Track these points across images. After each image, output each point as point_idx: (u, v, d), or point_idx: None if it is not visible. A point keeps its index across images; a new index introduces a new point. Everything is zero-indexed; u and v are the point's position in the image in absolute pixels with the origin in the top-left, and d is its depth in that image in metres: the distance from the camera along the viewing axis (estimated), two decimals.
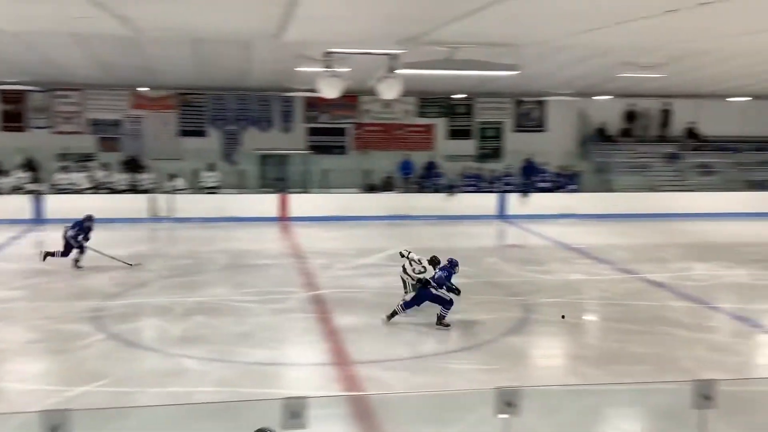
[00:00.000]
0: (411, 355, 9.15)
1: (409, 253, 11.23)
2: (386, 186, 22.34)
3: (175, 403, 7.21)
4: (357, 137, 23.74)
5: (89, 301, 11.45)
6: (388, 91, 11.63)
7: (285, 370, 8.96)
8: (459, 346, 9.79)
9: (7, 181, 20.36)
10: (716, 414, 5.15)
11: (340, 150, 23.53)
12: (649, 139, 25.06)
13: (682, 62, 14.79)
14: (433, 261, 11.02)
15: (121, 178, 21.11)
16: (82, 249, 13.74)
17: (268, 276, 13.64)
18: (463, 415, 6.84)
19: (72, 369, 8.58)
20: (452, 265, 10.74)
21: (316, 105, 22.88)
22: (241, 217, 20.20)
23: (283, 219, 20.80)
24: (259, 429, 4.30)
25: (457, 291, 10.49)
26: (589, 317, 11.65)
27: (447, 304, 10.30)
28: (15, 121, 21.99)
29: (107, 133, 22.52)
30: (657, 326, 10.46)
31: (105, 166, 21.31)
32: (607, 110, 24.35)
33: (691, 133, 24.99)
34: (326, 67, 11.44)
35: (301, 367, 9.07)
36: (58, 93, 21.99)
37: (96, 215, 14.36)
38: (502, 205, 22.05)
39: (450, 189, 22.03)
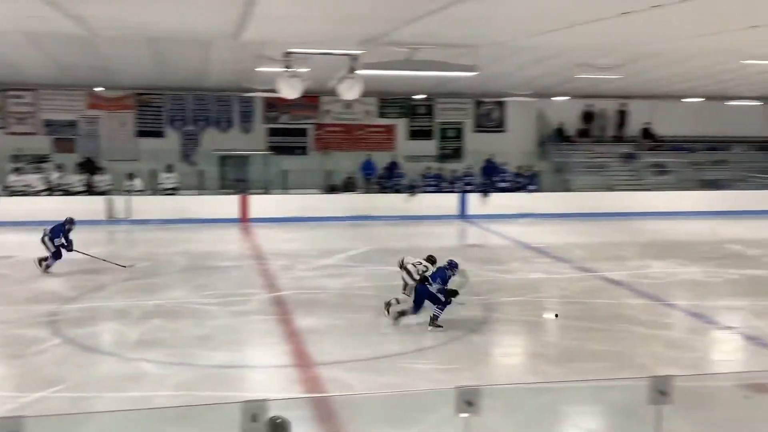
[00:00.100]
0: (373, 355, 9.13)
1: (405, 262, 10.96)
2: (347, 186, 22.31)
3: (134, 408, 7.10)
4: (318, 138, 23.67)
5: (45, 305, 11.21)
6: (349, 91, 11.60)
7: (246, 372, 8.89)
8: (420, 346, 9.80)
9: None
10: (672, 410, 5.25)
11: (300, 150, 23.45)
12: (606, 140, 25.48)
13: (638, 64, 15.06)
14: (430, 259, 11.00)
15: (76, 180, 20.71)
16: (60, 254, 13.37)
17: (228, 278, 13.51)
18: (424, 415, 6.85)
19: (27, 374, 8.39)
20: (451, 267, 10.66)
21: (276, 105, 22.75)
22: (200, 219, 19.98)
23: (244, 220, 20.63)
24: (271, 417, 4.52)
25: (453, 293, 10.40)
26: (549, 316, 11.76)
27: (441, 304, 10.24)
28: None
29: (62, 134, 22.11)
30: (615, 324, 10.62)
31: (60, 168, 20.89)
32: (565, 111, 24.69)
33: (647, 134, 25.47)
34: (286, 68, 11.37)
35: (262, 369, 9.01)
36: (11, 93, 21.51)
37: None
38: (462, 205, 22.19)
39: (411, 189, 22.09)
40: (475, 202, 22.20)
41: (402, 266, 10.95)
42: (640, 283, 13.21)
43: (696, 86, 20.20)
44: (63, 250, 13.39)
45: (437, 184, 22.65)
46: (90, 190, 20.53)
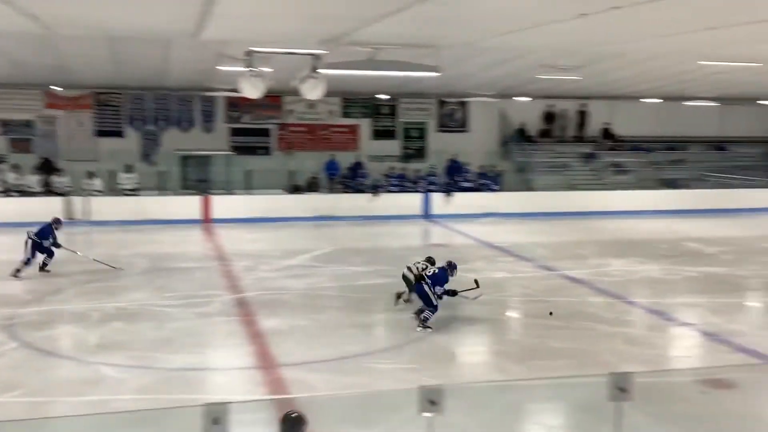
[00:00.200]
0: (336, 356, 9.11)
1: (409, 269, 11.09)
2: (311, 187, 22.23)
3: (93, 413, 6.97)
4: (281, 138, 23.54)
5: (1, 309, 10.95)
6: (312, 91, 11.54)
7: (208, 375, 8.80)
8: (384, 346, 9.81)
9: None
10: (632, 405, 5.33)
11: (263, 151, 23.30)
12: (567, 140, 25.79)
13: (598, 65, 15.27)
14: (429, 260, 11.10)
15: (34, 181, 20.28)
16: (51, 252, 13.47)
17: (190, 279, 13.36)
18: (388, 414, 6.85)
19: None
20: (450, 267, 10.72)
21: (238, 105, 22.57)
22: (161, 220, 19.71)
23: (206, 221, 20.41)
24: (287, 412, 4.66)
25: (452, 293, 10.53)
26: (512, 314, 11.87)
27: (432, 307, 10.26)
28: None
29: (19, 134, 21.65)
30: (576, 321, 10.75)
31: (17, 169, 20.42)
32: (527, 111, 24.92)
33: (607, 134, 25.84)
34: (248, 67, 11.27)
35: (225, 371, 8.93)
36: None
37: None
38: (426, 205, 22.26)
39: (375, 189, 22.09)
40: (438, 201, 22.28)
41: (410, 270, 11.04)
42: (601, 281, 13.40)
43: (654, 87, 20.55)
44: (54, 249, 13.44)
45: (401, 183, 22.68)
46: (48, 191, 20.11)
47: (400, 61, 10.49)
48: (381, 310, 11.81)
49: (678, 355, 10.07)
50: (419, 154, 24.61)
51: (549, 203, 22.53)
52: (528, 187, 23.72)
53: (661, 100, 24.17)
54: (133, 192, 20.77)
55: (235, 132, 23.06)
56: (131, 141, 22.31)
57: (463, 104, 24.89)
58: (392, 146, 24.41)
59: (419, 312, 10.30)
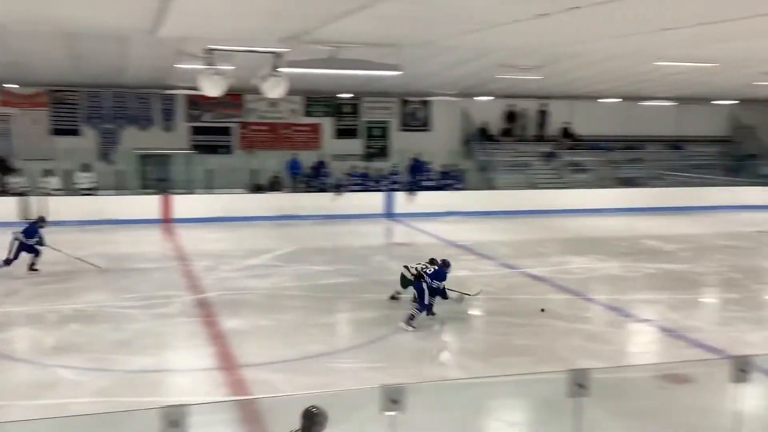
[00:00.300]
0: (299, 356, 9.07)
1: (407, 269, 11.19)
2: (273, 186, 22.08)
3: (49, 417, 6.83)
4: (242, 136, 23.34)
5: None
6: (273, 89, 11.45)
7: (168, 377, 8.69)
8: (347, 345, 9.80)
9: None
10: (591, 401, 5.39)
11: (225, 149, 23.07)
12: (528, 139, 26.05)
13: (557, 64, 15.44)
14: (432, 262, 11.19)
15: None
16: (37, 252, 13.47)
17: (149, 280, 13.16)
18: (351, 414, 6.83)
19: None
20: (445, 265, 10.91)
21: (199, 103, 22.32)
22: (120, 220, 19.38)
23: (166, 221, 20.14)
24: (307, 407, 4.72)
25: (444, 295, 10.73)
26: (474, 312, 11.94)
27: (422, 305, 10.35)
28: None
29: None
30: (537, 318, 10.87)
31: None
32: (489, 110, 25.11)
33: (567, 133, 26.16)
34: (208, 65, 11.12)
35: (186, 373, 8.82)
36: None
37: None
38: (389, 204, 22.28)
39: (337, 188, 22.04)
40: (401, 200, 22.32)
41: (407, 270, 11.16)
42: (562, 279, 13.56)
43: (613, 87, 20.85)
44: (39, 247, 13.43)
45: (363, 182, 22.67)
46: (2, 191, 19.64)
47: (361, 59, 10.47)
48: (344, 310, 11.81)
49: (636, 351, 10.24)
50: (382, 153, 24.62)
51: (511, 202, 22.72)
52: (490, 185, 23.89)
53: (620, 100, 24.55)
54: (91, 191, 20.40)
55: (196, 130, 22.80)
56: (89, 139, 21.91)
57: (425, 103, 24.97)
58: (355, 145, 24.37)
59: (410, 318, 10.35)
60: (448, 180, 23.33)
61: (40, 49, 13.98)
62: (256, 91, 12.30)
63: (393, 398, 4.59)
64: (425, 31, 9.45)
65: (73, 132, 21.82)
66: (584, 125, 25.99)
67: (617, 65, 15.70)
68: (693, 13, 7.88)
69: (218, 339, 9.78)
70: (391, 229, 20.92)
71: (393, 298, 11.58)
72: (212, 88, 11.29)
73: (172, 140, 22.32)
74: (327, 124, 24.19)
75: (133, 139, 22.02)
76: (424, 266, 10.93)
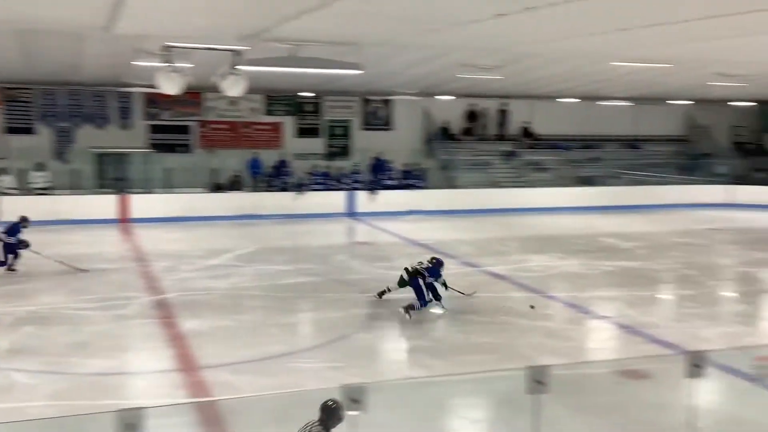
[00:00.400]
0: (259, 356, 8.99)
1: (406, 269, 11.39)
2: (234, 185, 21.88)
3: (3, 421, 6.65)
4: (202, 135, 23.07)
5: None
6: (233, 88, 11.34)
7: (126, 379, 8.54)
8: (308, 345, 9.75)
9: None
10: (550, 397, 5.44)
11: (183, 148, 22.78)
12: (489, 138, 26.24)
13: (517, 64, 15.57)
14: (432, 261, 11.45)
15: None
16: (16, 253, 13.25)
17: (106, 281, 12.93)
18: (312, 414, 6.78)
19: None
20: (439, 264, 11.27)
21: (157, 101, 21.99)
22: (76, 220, 19.00)
23: (124, 221, 19.82)
24: (325, 401, 4.87)
25: (434, 293, 11.06)
26: (436, 310, 11.97)
27: (422, 300, 10.76)
28: None
29: None
30: (498, 316, 10.95)
31: None
32: (450, 109, 25.24)
33: (526, 132, 26.42)
34: (165, 62, 10.97)
35: (144, 375, 8.68)
36: None
37: None
38: (351, 203, 22.25)
39: (299, 187, 21.93)
40: (363, 199, 22.30)
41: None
42: (522, 277, 13.69)
43: (571, 87, 21.12)
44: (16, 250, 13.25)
45: (325, 182, 22.60)
46: None
47: (322, 58, 10.42)
48: (305, 309, 11.76)
49: (595, 347, 10.38)
50: (344, 152, 24.56)
51: (472, 201, 22.88)
52: (451, 184, 24.02)
53: (578, 100, 24.88)
54: (46, 191, 19.97)
55: (154, 129, 22.47)
56: (43, 138, 21.45)
57: (387, 102, 24.98)
58: (316, 144, 24.28)
59: (410, 306, 10.74)
60: (410, 179, 23.40)
61: None
62: (215, 89, 12.18)
63: (354, 398, 4.58)
64: (385, 30, 9.46)
65: (27, 130, 21.34)
66: (544, 125, 26.28)
67: (575, 65, 15.91)
68: (647, 15, 8.02)
69: (177, 340, 9.65)
70: (353, 229, 20.89)
71: (381, 295, 11.60)
72: (170, 86, 11.14)
73: (130, 139, 21.97)
74: (288, 123, 24.05)
75: (89, 138, 21.61)
76: (420, 263, 11.27)
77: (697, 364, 5.44)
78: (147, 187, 21.27)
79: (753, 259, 16.21)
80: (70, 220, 18.91)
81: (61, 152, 21.54)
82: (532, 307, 11.33)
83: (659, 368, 8.48)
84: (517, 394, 5.20)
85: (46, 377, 8.18)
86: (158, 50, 11.01)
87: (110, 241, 17.34)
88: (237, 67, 10.73)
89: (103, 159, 21.56)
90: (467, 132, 26.10)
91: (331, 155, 24.15)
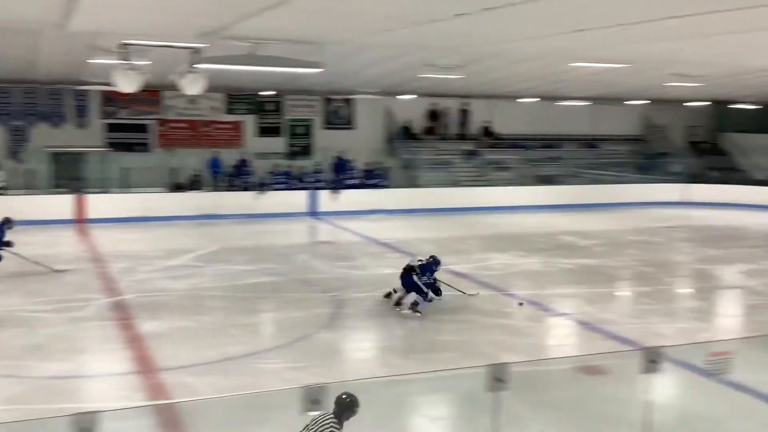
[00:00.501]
0: (220, 357, 8.90)
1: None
2: (193, 185, 21.63)
3: None
4: (161, 134, 22.74)
5: None
6: (192, 86, 11.19)
7: (83, 382, 8.40)
8: (270, 346, 9.69)
9: None
10: (512, 395, 5.49)
11: (142, 147, 22.42)
12: (450, 137, 26.37)
13: (477, 64, 15.66)
14: (431, 258, 11.46)
15: None
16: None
17: (63, 283, 12.68)
18: (274, 415, 6.76)
19: None
20: (435, 262, 11.25)
21: (114, 99, 21.61)
22: (30, 220, 18.47)
23: (80, 221, 19.44)
24: (339, 394, 4.96)
25: (437, 291, 11.13)
26: (399, 309, 11.99)
27: (422, 293, 10.87)
28: None
29: None
30: (460, 315, 11.02)
31: None
32: (412, 109, 25.29)
33: (487, 132, 26.62)
34: (122, 60, 10.79)
35: (102, 378, 8.54)
36: None
37: None
38: (313, 202, 22.16)
39: (260, 187, 21.78)
40: (325, 199, 22.24)
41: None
42: (484, 275, 13.78)
43: (531, 87, 21.34)
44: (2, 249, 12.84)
45: (287, 181, 22.48)
46: None
47: (281, 56, 10.34)
48: (266, 310, 11.69)
49: (555, 344, 10.51)
50: (305, 151, 24.45)
51: (434, 200, 22.98)
52: (413, 183, 24.08)
53: (538, 100, 25.14)
54: (0, 191, 19.48)
55: (111, 128, 22.07)
56: None
57: (348, 102, 24.94)
58: (278, 143, 24.12)
59: (414, 303, 10.87)
60: (372, 178, 23.40)
61: None
62: (174, 87, 12.01)
63: (314, 398, 4.55)
64: (344, 28, 9.44)
65: None
66: (504, 124, 26.50)
67: (535, 65, 16.07)
68: (605, 16, 8.14)
69: (136, 342, 9.50)
70: (315, 228, 20.82)
71: (388, 295, 11.54)
72: (127, 84, 10.95)
73: (86, 138, 21.56)
74: (249, 122, 23.86)
75: (45, 137, 21.15)
76: (413, 259, 11.43)
77: (653, 359, 5.53)
78: (104, 187, 20.90)
79: (708, 256, 16.58)
80: (25, 221, 18.39)
81: (15, 151, 21.05)
82: (520, 304, 11.47)
83: (617, 364, 8.63)
84: (478, 391, 5.24)
85: (0, 381, 7.99)
86: (115, 48, 10.82)
87: (66, 242, 16.99)
88: (196, 65, 10.59)
89: (58, 158, 21.12)
90: (429, 131, 26.19)
91: (292, 154, 24.02)
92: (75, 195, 19.86)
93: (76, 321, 10.40)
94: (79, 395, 7.93)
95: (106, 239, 17.23)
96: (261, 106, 23.95)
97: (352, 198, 22.23)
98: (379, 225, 20.20)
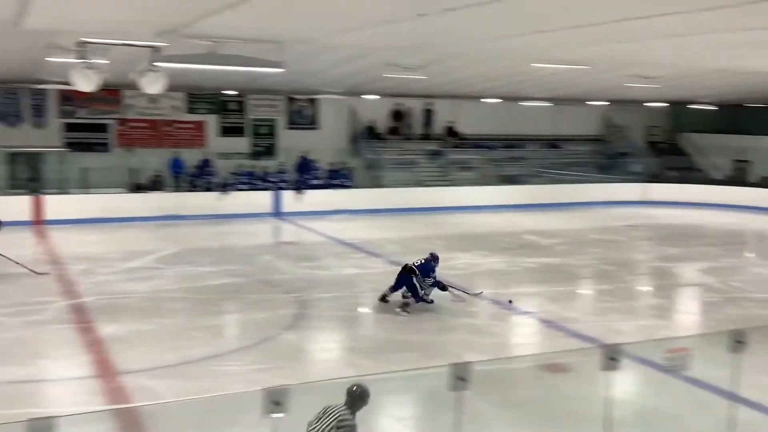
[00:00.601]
0: (181, 360, 8.79)
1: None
2: (155, 185, 21.34)
3: None
4: (121, 134, 22.39)
5: None
6: (152, 85, 11.01)
7: (41, 387, 8.23)
8: (233, 348, 9.60)
9: None
10: (475, 393, 5.52)
11: (101, 147, 22.05)
12: (414, 137, 26.44)
13: (440, 65, 15.72)
14: (431, 254, 11.69)
15: None
16: None
17: (20, 285, 12.40)
18: (235, 417, 6.70)
19: None
20: (434, 258, 11.48)
21: (72, 99, 21.22)
22: None
23: (37, 223, 19.04)
24: (349, 386, 5.15)
25: (441, 287, 11.34)
26: (363, 309, 11.99)
27: (417, 296, 11.05)
28: None
29: None
30: (424, 314, 11.04)
31: None
32: (376, 109, 25.30)
33: (451, 132, 26.74)
34: (81, 58, 10.58)
35: (60, 382, 8.39)
36: None
37: None
38: (277, 203, 22.03)
39: (223, 187, 21.58)
40: (289, 199, 22.12)
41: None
42: (448, 274, 13.79)
43: (494, 87, 21.49)
44: None
45: (250, 181, 22.31)
46: None
47: (242, 56, 10.24)
48: (229, 311, 11.59)
49: (518, 343, 10.61)
50: (269, 151, 24.29)
51: (398, 199, 23.01)
52: (377, 184, 24.08)
53: (500, 100, 25.33)
54: None
55: (70, 127, 21.67)
56: None
57: (312, 101, 24.85)
58: (241, 143, 23.93)
59: (405, 305, 10.99)
60: (336, 178, 23.35)
61: None
62: (134, 86, 11.82)
63: (275, 400, 4.51)
64: (306, 28, 9.39)
65: None
66: (468, 124, 26.66)
67: (497, 66, 16.18)
68: (564, 17, 8.21)
69: (95, 346, 9.35)
70: (279, 228, 20.70)
71: (383, 298, 11.52)
72: (85, 83, 10.74)
73: (44, 137, 21.13)
74: (212, 122, 23.62)
75: (1, 137, 20.66)
76: (413, 259, 11.55)
77: (612, 357, 5.60)
78: (63, 188, 20.49)
79: (667, 254, 16.88)
80: None
81: None
82: (510, 301, 11.58)
83: (578, 362, 8.73)
84: (442, 391, 5.25)
85: None
86: (73, 46, 10.61)
87: (23, 244, 16.56)
88: (156, 63, 10.44)
89: (15, 159, 20.69)
90: (393, 131, 26.23)
91: (256, 154, 23.85)
92: (32, 196, 19.46)
93: (34, 324, 10.20)
94: (36, 400, 7.77)
95: (64, 241, 16.91)
96: (223, 106, 23.73)
97: (316, 198, 22.15)
98: (344, 225, 20.17)
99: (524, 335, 10.93)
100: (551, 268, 14.82)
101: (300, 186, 22.46)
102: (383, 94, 23.70)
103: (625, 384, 7.50)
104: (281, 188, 22.25)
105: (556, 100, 25.94)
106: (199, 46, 9.71)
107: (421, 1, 7.12)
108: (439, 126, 26.76)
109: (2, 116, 20.92)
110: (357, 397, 5.16)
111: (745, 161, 27.69)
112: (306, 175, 22.99)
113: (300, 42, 10.82)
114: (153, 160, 21.66)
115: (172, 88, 12.93)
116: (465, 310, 11.39)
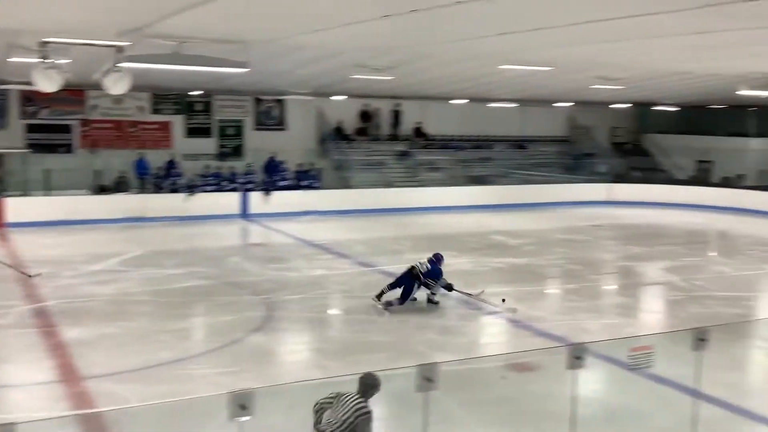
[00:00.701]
0: (147, 364, 8.68)
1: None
2: (119, 187, 21.04)
3: None
4: (84, 135, 22.05)
5: None
6: (116, 85, 10.89)
7: (3, 393, 8.11)
8: (199, 351, 9.50)
9: None
10: (444, 393, 5.53)
11: (64, 148, 21.70)
12: (382, 138, 26.46)
13: (407, 66, 15.73)
14: (435, 255, 11.69)
15: None
16: None
17: None
18: (203, 421, 6.63)
19: None
20: (437, 260, 11.48)
21: (34, 99, 20.85)
22: None
23: None
24: (362, 375, 5.39)
25: (448, 288, 11.43)
26: (332, 311, 11.97)
27: (404, 300, 11.15)
28: None
29: None
30: (394, 314, 11.04)
31: None
32: (344, 110, 25.27)
33: (419, 132, 26.82)
34: (42, 58, 10.40)
35: (22, 387, 8.22)
36: None
37: None
38: (244, 204, 21.87)
39: (190, 188, 21.36)
40: (257, 200, 21.98)
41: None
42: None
43: (461, 88, 21.58)
44: None
45: (217, 182, 22.12)
46: None
47: (207, 56, 10.16)
48: (196, 314, 11.48)
49: (486, 342, 10.66)
50: (236, 152, 24.11)
51: (366, 200, 22.98)
52: (345, 184, 24.05)
53: (468, 101, 25.47)
54: None
55: (32, 128, 21.28)
56: None
57: (280, 102, 24.73)
58: (208, 144, 23.73)
59: (389, 303, 11.10)
60: (304, 179, 23.25)
61: None
62: (98, 86, 11.66)
63: (241, 404, 4.48)
64: (270, 28, 9.35)
65: None
66: (436, 125, 26.76)
67: (464, 67, 16.25)
68: (529, 19, 8.30)
69: (58, 350, 9.19)
70: (247, 230, 20.56)
71: (379, 296, 11.42)
72: (47, 84, 10.58)
73: (5, 138, 20.72)
74: (177, 123, 23.38)
75: None
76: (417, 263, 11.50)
77: (578, 355, 5.66)
78: (25, 190, 20.10)
79: (632, 253, 17.11)
80: None
81: None
82: (503, 300, 11.57)
83: (544, 360, 8.81)
84: (410, 391, 5.26)
85: None
86: (34, 46, 10.43)
87: None
88: (119, 64, 10.31)
89: None
90: (361, 132, 26.22)
91: (223, 155, 23.66)
92: None
93: None
94: None
95: (27, 244, 16.59)
96: (189, 107, 23.51)
97: (284, 199, 22.03)
98: (312, 226, 20.10)
99: (492, 335, 11.00)
100: (519, 268, 14.94)
101: (268, 187, 22.33)
102: (351, 95, 23.68)
103: (591, 382, 7.59)
104: (249, 189, 22.09)
105: (523, 101, 26.16)
106: (163, 46, 9.61)
107: (387, 2, 7.13)
108: (407, 127, 26.81)
109: None
110: (370, 386, 5.41)
111: (708, 162, 28.22)
112: (274, 176, 22.86)
113: (264, 42, 10.76)
114: (117, 161, 21.36)
115: (137, 88, 12.77)
116: (435, 310, 11.42)
